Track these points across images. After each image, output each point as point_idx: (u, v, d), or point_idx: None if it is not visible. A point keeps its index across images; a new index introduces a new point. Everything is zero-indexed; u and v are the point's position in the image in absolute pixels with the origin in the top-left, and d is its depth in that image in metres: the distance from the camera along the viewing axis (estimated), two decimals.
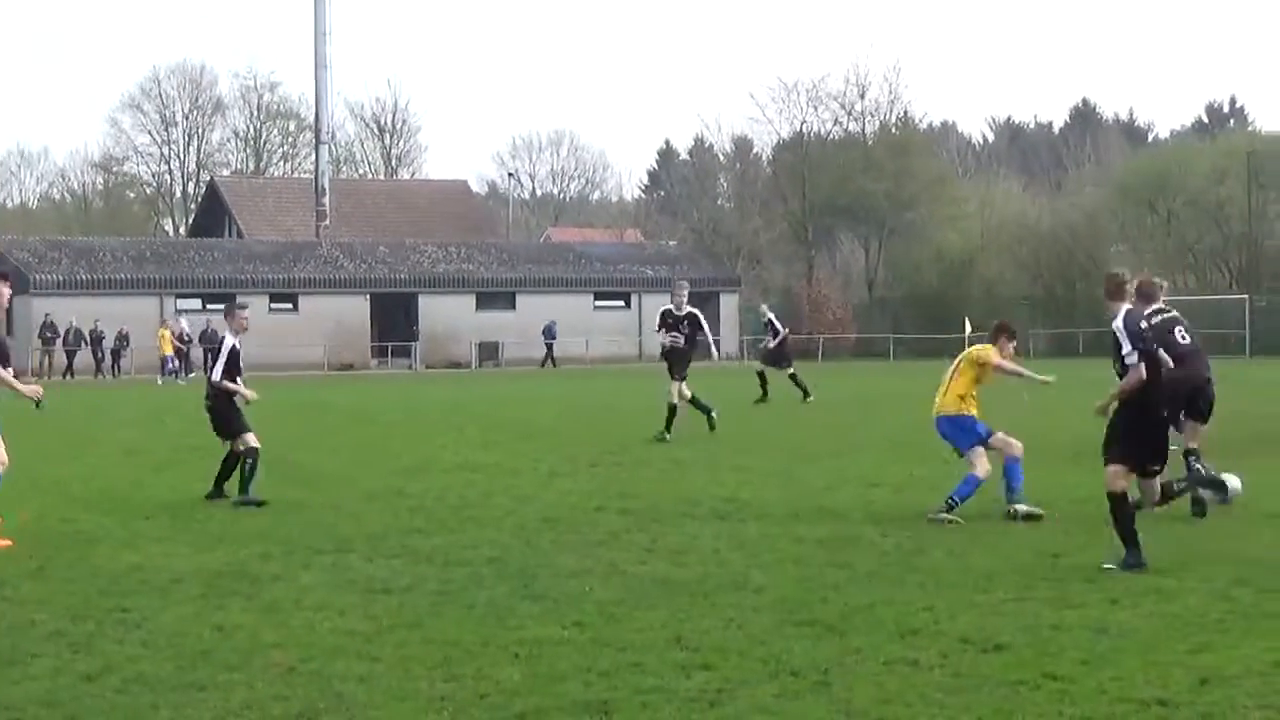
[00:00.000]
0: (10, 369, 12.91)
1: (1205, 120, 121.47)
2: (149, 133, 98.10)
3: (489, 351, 68.07)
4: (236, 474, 15.17)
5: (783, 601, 9.51)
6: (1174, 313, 15.70)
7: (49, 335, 59.00)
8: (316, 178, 76.11)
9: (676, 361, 22.49)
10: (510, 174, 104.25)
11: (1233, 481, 13.67)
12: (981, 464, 13.27)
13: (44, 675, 7.80)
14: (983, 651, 8.07)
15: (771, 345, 32.50)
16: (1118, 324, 10.81)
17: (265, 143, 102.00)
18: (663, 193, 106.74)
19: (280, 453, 19.61)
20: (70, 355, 58.71)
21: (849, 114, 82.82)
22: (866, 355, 71.61)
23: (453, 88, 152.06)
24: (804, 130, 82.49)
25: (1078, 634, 8.45)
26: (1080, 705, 7.02)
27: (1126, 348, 10.68)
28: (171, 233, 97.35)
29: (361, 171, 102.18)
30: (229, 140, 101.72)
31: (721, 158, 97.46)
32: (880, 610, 9.16)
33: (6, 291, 12.83)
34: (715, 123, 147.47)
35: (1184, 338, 15.22)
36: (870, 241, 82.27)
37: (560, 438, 22.97)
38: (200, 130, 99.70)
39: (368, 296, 68.78)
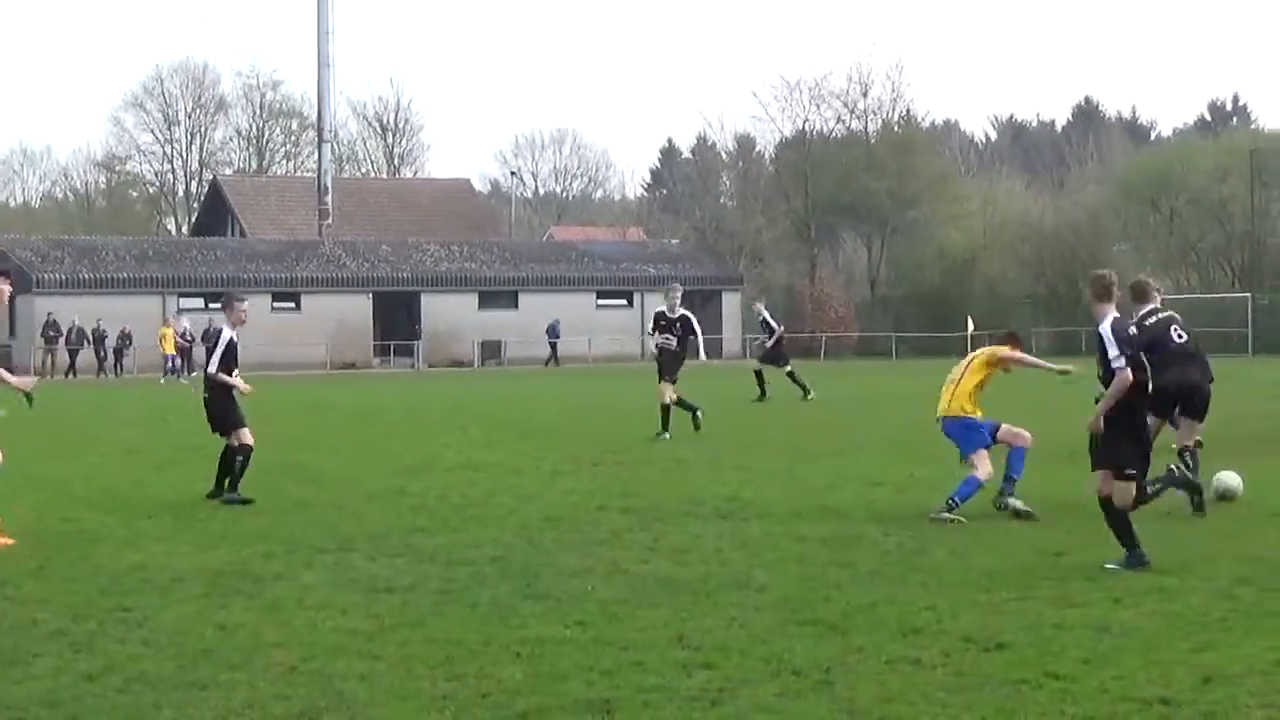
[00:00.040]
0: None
1: (1208, 118, 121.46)
2: (152, 132, 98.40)
3: (491, 350, 68.03)
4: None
5: (785, 600, 9.51)
6: (1171, 313, 15.71)
7: (52, 334, 59.07)
8: (319, 176, 76.04)
9: (668, 363, 22.61)
10: (513, 172, 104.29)
11: (1232, 480, 13.67)
12: (984, 466, 13.25)
13: (46, 674, 7.80)
14: (985, 650, 8.07)
15: (768, 344, 32.51)
16: (1104, 328, 10.63)
17: (268, 141, 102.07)
18: (665, 191, 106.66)
19: (283, 452, 19.63)
20: (73, 354, 58.78)
21: (851, 112, 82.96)
22: (869, 354, 71.56)
23: (455, 86, 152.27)
24: (806, 129, 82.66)
25: (1080, 633, 8.45)
26: (1082, 704, 7.01)
27: (1113, 352, 10.51)
28: (174, 232, 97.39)
29: (364, 170, 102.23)
30: (231, 139, 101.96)
31: (724, 156, 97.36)
32: (882, 609, 9.16)
33: (7, 289, 12.83)
34: (718, 121, 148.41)
35: (1180, 336, 15.22)
36: (873, 240, 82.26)
37: (562, 437, 22.97)
38: (203, 129, 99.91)
39: (370, 295, 68.73)
